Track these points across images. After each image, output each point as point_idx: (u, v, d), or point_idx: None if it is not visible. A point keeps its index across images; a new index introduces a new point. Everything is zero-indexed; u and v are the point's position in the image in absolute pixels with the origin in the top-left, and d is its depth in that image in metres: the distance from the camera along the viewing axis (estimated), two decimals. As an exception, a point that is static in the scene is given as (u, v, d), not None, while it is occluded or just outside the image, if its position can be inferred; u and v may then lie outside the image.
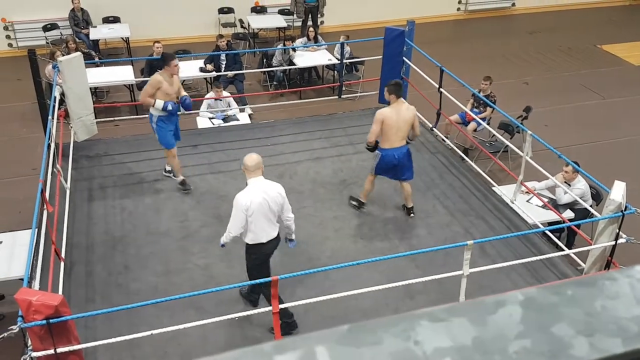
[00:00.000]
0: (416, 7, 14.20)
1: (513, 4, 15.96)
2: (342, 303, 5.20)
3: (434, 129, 8.33)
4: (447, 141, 8.24)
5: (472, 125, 8.92)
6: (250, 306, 5.32)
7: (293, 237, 5.32)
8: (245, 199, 4.74)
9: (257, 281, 4.70)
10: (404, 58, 8.46)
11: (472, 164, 7.72)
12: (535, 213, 6.67)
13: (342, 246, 6.23)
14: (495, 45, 13.80)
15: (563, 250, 6.01)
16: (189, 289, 5.39)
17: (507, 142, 7.73)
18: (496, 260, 5.82)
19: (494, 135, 8.27)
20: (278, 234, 5.04)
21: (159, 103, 6.33)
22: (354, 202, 6.73)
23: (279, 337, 4.51)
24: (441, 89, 7.96)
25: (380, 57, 8.69)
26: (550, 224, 6.65)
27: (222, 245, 5.18)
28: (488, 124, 8.44)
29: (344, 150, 7.93)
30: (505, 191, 6.98)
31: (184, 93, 6.73)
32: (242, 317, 4.78)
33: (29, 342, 4.08)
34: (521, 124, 7.72)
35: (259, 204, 4.73)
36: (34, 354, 4.05)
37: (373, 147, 6.33)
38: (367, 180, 6.59)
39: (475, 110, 9.02)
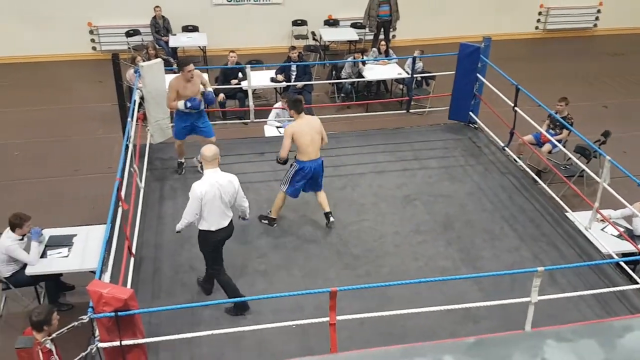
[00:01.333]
0: (493, 24, 13.88)
1: (595, 25, 15.30)
2: (400, 321, 5.06)
3: (505, 148, 8.04)
4: (520, 162, 7.93)
5: (547, 146, 8.55)
6: (239, 316, 5.31)
7: (247, 217, 5.65)
8: (201, 188, 5.06)
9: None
10: (478, 75, 8.24)
11: (545, 187, 7.36)
12: (609, 242, 6.28)
13: (402, 263, 6.07)
14: (574, 66, 13.24)
15: (638, 283, 5.61)
16: (249, 293, 5.43)
17: (584, 167, 7.33)
18: (566, 290, 5.53)
19: (569, 158, 7.89)
20: (230, 224, 5.26)
21: (180, 104, 6.88)
22: (265, 221, 6.54)
23: (334, 348, 4.42)
24: (516, 108, 7.67)
25: (453, 72, 8.51)
26: (624, 255, 6.23)
27: (178, 232, 5.41)
28: (564, 146, 8.08)
29: (409, 165, 7.78)
30: (579, 218, 6.61)
31: (209, 89, 7.15)
32: (298, 326, 4.72)
33: (97, 333, 4.19)
34: (599, 148, 7.31)
35: (212, 194, 5.05)
36: (101, 345, 4.16)
37: (284, 161, 6.32)
38: (279, 197, 6.44)
39: (550, 131, 8.65)
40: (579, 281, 5.74)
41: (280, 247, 6.24)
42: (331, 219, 6.44)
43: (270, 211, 6.53)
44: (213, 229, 5.16)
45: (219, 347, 4.95)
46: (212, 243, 5.26)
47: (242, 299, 5.26)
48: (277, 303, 5.28)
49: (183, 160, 7.50)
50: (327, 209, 6.47)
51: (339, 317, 4.40)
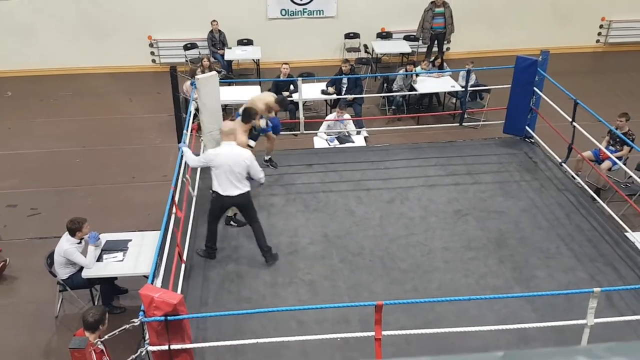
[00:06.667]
0: (551, 37, 13.50)
1: (660, 38, 14.64)
2: (447, 339, 4.93)
3: (563, 164, 7.77)
4: (578, 179, 7.64)
5: (607, 163, 8.21)
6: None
7: (262, 182, 6.19)
8: (214, 150, 5.95)
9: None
10: (535, 88, 8.02)
11: (604, 205, 7.06)
12: (674, 266, 5.93)
13: (451, 279, 5.93)
14: (635, 81, 12.70)
15: None
16: (294, 303, 5.44)
17: (647, 185, 7.00)
18: (624, 313, 5.27)
19: (630, 176, 7.54)
20: (240, 196, 5.81)
21: (262, 122, 7.06)
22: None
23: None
24: (574, 123, 7.41)
25: (508, 85, 8.32)
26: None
27: (179, 149, 6.28)
28: (624, 163, 7.74)
29: (461, 180, 7.63)
30: (639, 238, 6.30)
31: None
32: (342, 338, 4.68)
33: (147, 336, 4.29)
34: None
35: (221, 162, 5.74)
36: (150, 348, 4.25)
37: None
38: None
39: (611, 148, 8.31)
40: (638, 304, 5.45)
41: (326, 257, 6.22)
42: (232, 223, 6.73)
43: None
44: (221, 192, 5.82)
45: (263, 355, 4.96)
46: (217, 204, 5.94)
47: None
48: (321, 314, 5.26)
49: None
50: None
51: (384, 332, 4.34)
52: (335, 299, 5.55)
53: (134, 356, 4.23)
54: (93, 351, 4.50)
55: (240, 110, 7.04)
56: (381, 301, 4.23)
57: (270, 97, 7.34)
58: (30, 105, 11.80)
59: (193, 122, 7.63)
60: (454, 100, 11.35)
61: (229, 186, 5.80)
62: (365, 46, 13.52)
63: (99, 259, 6.26)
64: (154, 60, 13.61)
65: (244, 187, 5.87)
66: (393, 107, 11.12)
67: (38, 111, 11.53)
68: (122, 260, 6.27)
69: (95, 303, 6.40)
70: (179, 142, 7.11)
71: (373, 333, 4.33)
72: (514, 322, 4.77)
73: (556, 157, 7.89)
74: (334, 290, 5.74)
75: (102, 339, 4.51)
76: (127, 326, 4.15)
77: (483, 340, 4.98)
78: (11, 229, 7.97)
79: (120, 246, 6.45)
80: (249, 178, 5.95)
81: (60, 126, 10.87)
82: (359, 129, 9.61)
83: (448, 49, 13.76)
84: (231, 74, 12.54)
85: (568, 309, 5.26)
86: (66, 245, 6.14)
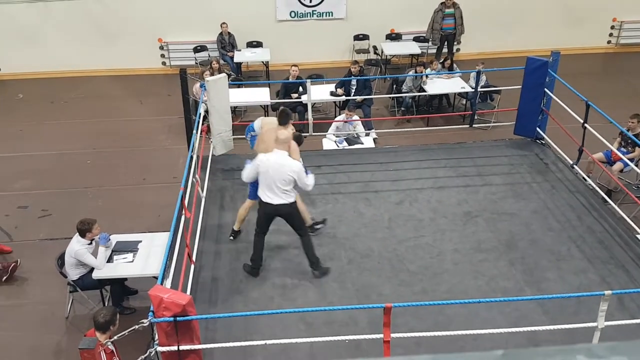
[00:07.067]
0: (562, 38, 13.40)
1: (673, 38, 14.50)
2: (457, 342, 4.90)
3: (574, 166, 7.71)
4: (589, 180, 7.57)
5: (619, 165, 8.14)
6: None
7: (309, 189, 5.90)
8: (262, 157, 5.70)
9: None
10: (546, 89, 7.97)
11: (616, 207, 6.99)
12: (687, 268, 5.86)
13: (461, 281, 5.89)
14: (649, 82, 12.58)
15: None
16: (302, 305, 5.43)
17: (659, 187, 6.92)
18: (635, 316, 5.22)
19: (643, 178, 7.46)
20: (280, 206, 5.61)
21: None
22: (231, 236, 6.48)
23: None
24: (585, 125, 7.35)
25: (519, 87, 8.27)
26: None
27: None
28: (636, 165, 7.65)
29: (471, 181, 7.59)
30: (652, 240, 6.23)
31: None
32: (351, 340, 4.67)
33: (156, 337, 4.30)
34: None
35: (266, 169, 5.59)
36: (159, 349, 4.27)
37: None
38: (244, 207, 6.44)
39: (622, 149, 8.24)
40: (651, 308, 5.39)
41: (335, 259, 6.21)
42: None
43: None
44: (263, 198, 5.70)
45: (271, 357, 4.95)
46: (260, 211, 5.82)
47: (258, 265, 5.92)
48: (330, 316, 5.25)
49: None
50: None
51: (393, 335, 4.32)
52: (343, 300, 5.54)
53: (143, 357, 4.25)
54: (103, 351, 4.52)
55: (277, 113, 6.61)
56: (390, 303, 4.21)
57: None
58: (41, 107, 11.89)
59: (203, 124, 7.66)
60: (464, 101, 11.30)
61: (268, 192, 5.65)
62: (375, 47, 13.50)
63: (110, 259, 6.29)
64: (164, 63, 13.67)
65: (288, 198, 5.66)
66: (402, 109, 11.10)
67: (49, 113, 11.62)
68: (132, 261, 6.30)
69: (106, 304, 6.43)
70: (189, 144, 7.14)
71: (382, 335, 4.32)
72: (524, 325, 4.74)
73: (567, 158, 7.83)
74: (342, 292, 5.72)
75: (112, 339, 4.53)
76: (137, 327, 4.16)
77: (493, 342, 4.94)
78: (22, 230, 8.04)
79: (130, 247, 6.47)
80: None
81: (71, 128, 10.95)
82: (368, 131, 9.60)
83: (458, 50, 13.71)
84: (240, 76, 12.57)
85: (579, 311, 5.21)
86: (77, 246, 6.18)
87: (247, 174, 5.87)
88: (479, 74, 9.35)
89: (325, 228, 6.66)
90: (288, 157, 5.66)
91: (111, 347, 4.66)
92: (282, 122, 6.17)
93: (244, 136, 9.12)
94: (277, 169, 5.55)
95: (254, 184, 6.08)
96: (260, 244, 5.92)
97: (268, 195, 5.64)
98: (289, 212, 5.74)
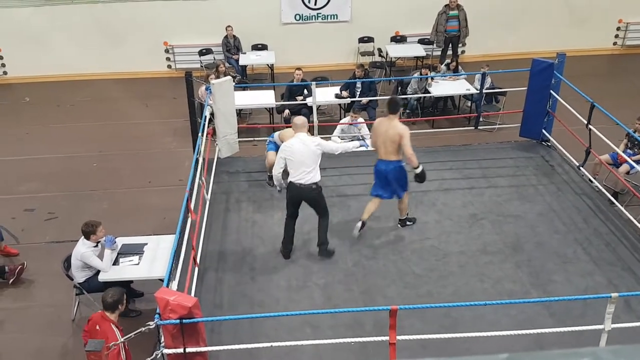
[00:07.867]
0: (567, 40, 13.36)
1: (680, 39, 14.43)
2: (463, 344, 4.89)
3: (580, 167, 7.68)
4: (595, 182, 7.55)
5: (625, 167, 8.09)
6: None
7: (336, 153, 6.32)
8: (289, 142, 6.00)
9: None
10: (551, 91, 7.95)
11: (623, 209, 6.96)
12: (696, 271, 5.83)
13: (466, 284, 5.88)
14: (656, 83, 12.53)
15: None
16: (307, 307, 5.43)
17: (666, 189, 6.89)
18: (643, 319, 5.16)
19: (649, 179, 7.42)
20: (308, 186, 5.88)
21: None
22: (358, 230, 6.46)
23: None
24: (590, 126, 7.33)
25: (524, 88, 8.25)
26: None
27: (279, 191, 6.42)
28: (644, 167, 7.59)
29: (477, 183, 7.57)
30: (660, 243, 6.19)
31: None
32: (357, 343, 4.67)
33: (162, 339, 4.31)
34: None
35: (297, 149, 5.88)
36: (165, 351, 4.28)
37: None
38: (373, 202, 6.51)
39: (629, 151, 8.20)
40: (659, 310, 5.36)
41: (340, 262, 6.21)
42: (399, 225, 6.72)
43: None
44: (292, 179, 5.95)
45: (277, 359, 4.96)
46: (288, 194, 6.08)
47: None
48: (335, 318, 5.25)
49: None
50: (402, 216, 6.71)
51: (399, 337, 4.31)
52: (349, 303, 5.53)
53: (149, 359, 4.25)
54: (116, 327, 4.84)
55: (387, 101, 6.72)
56: (396, 306, 4.21)
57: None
58: (47, 110, 11.95)
59: (208, 127, 7.68)
60: (469, 103, 11.28)
61: (299, 172, 5.92)
62: (380, 50, 13.50)
63: (115, 262, 6.30)
64: (169, 66, 13.72)
65: (314, 177, 5.95)
66: (407, 111, 11.08)
67: (55, 116, 11.68)
68: (138, 264, 6.30)
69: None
70: (194, 147, 7.15)
71: (387, 338, 4.31)
72: (530, 327, 4.72)
73: (573, 160, 7.81)
74: (347, 295, 5.72)
75: (119, 342, 4.54)
76: (143, 329, 4.17)
77: (499, 345, 4.93)
78: (29, 232, 8.07)
79: (136, 250, 6.48)
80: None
81: (77, 131, 11.00)
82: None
83: (463, 52, 13.70)
84: (245, 79, 12.59)
85: (585, 314, 5.19)
86: (83, 249, 6.19)
87: (276, 168, 6.09)
88: (484, 75, 9.33)
89: (330, 230, 6.66)
90: (308, 136, 6.07)
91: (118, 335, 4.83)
92: (392, 110, 6.40)
93: (250, 139, 9.15)
94: (309, 145, 5.89)
95: (381, 184, 6.41)
96: (289, 227, 6.21)
97: (296, 175, 5.92)
98: (314, 196, 6.02)
